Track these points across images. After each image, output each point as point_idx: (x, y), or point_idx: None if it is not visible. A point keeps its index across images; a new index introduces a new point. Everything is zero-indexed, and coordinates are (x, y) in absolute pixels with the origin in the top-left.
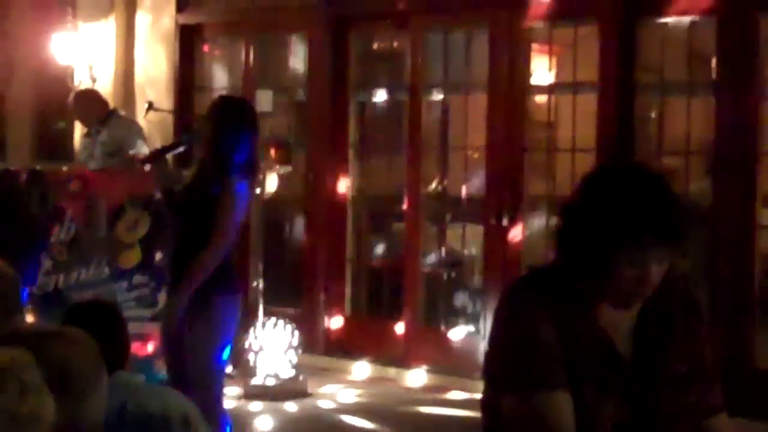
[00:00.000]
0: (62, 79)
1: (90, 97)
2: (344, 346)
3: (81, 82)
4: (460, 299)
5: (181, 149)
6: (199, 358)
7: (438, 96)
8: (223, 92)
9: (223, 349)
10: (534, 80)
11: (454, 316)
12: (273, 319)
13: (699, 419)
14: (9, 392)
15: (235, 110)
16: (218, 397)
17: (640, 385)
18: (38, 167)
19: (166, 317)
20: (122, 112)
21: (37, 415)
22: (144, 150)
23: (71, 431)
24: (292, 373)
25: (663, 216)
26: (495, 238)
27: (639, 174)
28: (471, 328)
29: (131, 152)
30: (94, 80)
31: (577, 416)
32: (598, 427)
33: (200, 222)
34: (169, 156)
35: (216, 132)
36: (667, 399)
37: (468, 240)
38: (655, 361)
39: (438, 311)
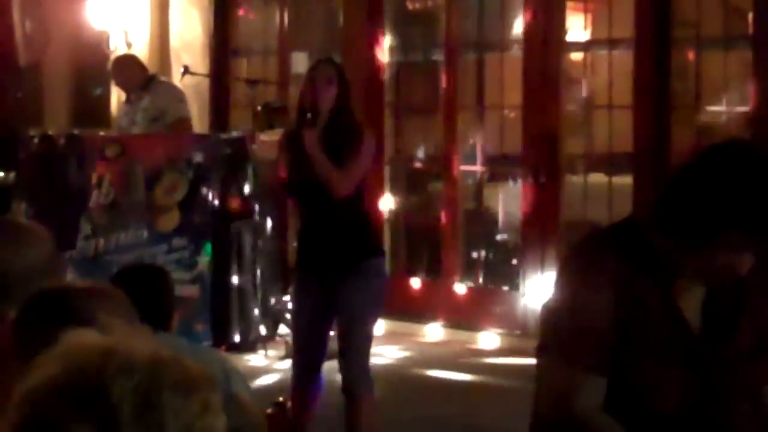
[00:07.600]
0: (98, 44)
1: (129, 62)
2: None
3: (116, 47)
4: (498, 258)
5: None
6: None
7: (473, 55)
8: (258, 55)
9: None
10: (569, 37)
11: (492, 274)
12: None
13: (759, 387)
14: (193, 406)
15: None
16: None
17: (707, 358)
18: (76, 132)
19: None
20: (163, 78)
21: None
22: (185, 114)
23: None
24: None
25: None
26: (532, 196)
27: None
28: (508, 286)
29: (173, 118)
30: (129, 45)
31: (639, 389)
32: (661, 400)
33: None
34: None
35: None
36: (735, 372)
37: (505, 199)
38: (724, 334)
39: (477, 270)
